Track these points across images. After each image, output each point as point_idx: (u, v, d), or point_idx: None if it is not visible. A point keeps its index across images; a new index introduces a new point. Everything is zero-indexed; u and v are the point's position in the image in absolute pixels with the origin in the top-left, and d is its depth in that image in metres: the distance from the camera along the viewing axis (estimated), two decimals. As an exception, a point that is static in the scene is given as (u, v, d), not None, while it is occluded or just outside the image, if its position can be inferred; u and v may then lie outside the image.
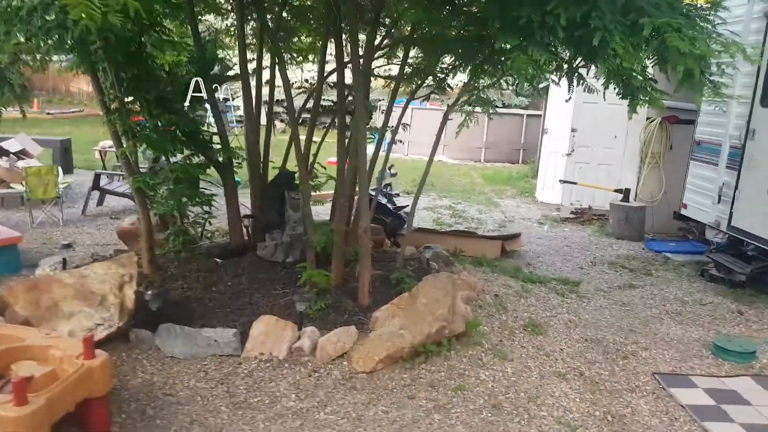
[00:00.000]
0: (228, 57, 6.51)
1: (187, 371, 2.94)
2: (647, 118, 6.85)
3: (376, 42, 4.16)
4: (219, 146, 4.24)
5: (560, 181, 7.61)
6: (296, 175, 4.47)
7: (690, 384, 3.24)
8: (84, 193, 6.69)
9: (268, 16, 4.43)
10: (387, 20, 4.33)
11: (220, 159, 4.25)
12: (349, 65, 3.74)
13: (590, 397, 3.01)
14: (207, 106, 4.53)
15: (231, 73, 5.80)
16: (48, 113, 17.11)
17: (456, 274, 4.50)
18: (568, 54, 3.25)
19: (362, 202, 3.65)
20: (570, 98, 3.94)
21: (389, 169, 6.57)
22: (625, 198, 6.76)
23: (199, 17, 5.22)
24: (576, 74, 3.31)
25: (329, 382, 2.94)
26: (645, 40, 2.81)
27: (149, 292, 3.31)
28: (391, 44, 4.40)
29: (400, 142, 4.88)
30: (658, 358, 3.55)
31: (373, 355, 3.13)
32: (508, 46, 2.94)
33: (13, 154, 7.27)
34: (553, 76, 3.62)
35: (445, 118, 3.84)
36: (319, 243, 3.62)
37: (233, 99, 18.16)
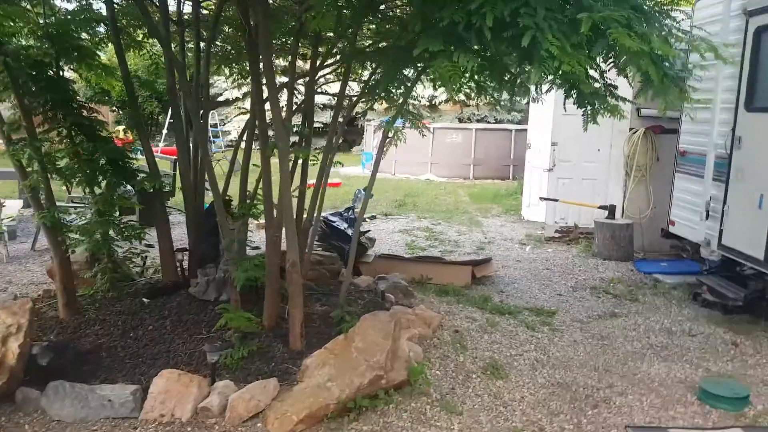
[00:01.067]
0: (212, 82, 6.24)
1: (66, 442, 2.50)
2: (630, 129, 6.43)
3: (320, 57, 3.85)
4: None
5: (540, 198, 7.15)
6: (233, 203, 4.09)
7: (669, 440, 2.74)
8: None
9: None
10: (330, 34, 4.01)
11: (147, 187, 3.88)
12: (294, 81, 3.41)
13: (547, 462, 2.53)
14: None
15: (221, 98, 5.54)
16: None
17: (411, 308, 4.05)
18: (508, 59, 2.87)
19: (289, 232, 3.23)
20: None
21: (364, 190, 6.17)
22: (611, 215, 6.29)
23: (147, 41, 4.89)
24: (517, 82, 2.92)
25: (231, 453, 2.48)
26: (587, 38, 2.42)
27: (42, 344, 2.89)
28: (334, 60, 4.06)
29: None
30: (635, 405, 3.05)
31: (292, 414, 2.67)
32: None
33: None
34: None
35: (385, 136, 3.45)
36: (239, 280, 3.20)
37: (223, 124, 18.22)
